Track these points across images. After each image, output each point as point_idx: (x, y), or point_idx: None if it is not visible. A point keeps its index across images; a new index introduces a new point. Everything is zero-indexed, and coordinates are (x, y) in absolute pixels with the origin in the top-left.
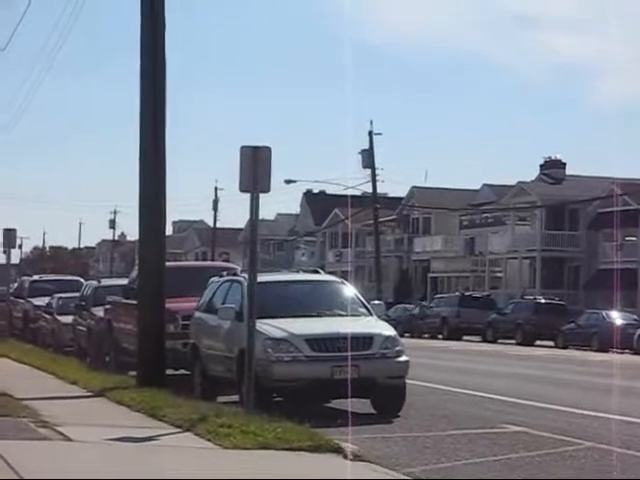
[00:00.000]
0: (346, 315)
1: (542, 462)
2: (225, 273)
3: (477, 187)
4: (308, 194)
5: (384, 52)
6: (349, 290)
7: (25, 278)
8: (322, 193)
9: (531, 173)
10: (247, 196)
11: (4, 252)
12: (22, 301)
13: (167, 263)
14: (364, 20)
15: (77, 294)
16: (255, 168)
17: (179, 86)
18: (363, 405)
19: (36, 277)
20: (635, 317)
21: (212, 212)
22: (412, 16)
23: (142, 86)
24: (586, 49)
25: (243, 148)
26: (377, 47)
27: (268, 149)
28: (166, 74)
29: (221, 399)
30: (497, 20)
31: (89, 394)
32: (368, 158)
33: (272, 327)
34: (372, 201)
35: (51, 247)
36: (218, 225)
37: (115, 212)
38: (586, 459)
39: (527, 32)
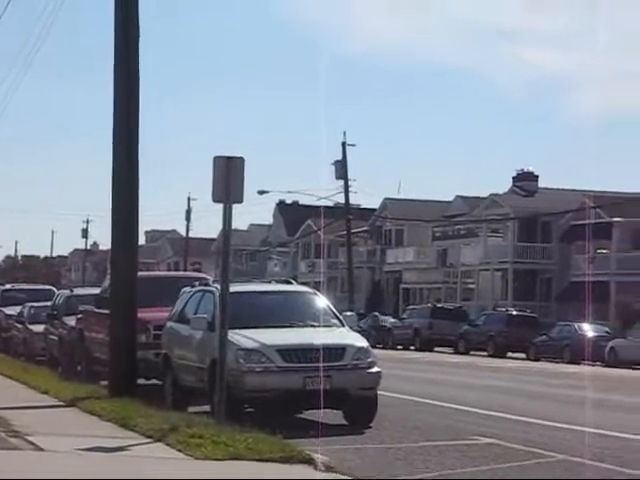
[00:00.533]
0: (318, 326)
1: (513, 474)
2: (197, 283)
3: (450, 199)
4: (281, 205)
5: (360, 63)
6: (321, 301)
7: None
8: (295, 204)
9: (504, 185)
10: (220, 206)
11: None
12: None
13: (139, 273)
14: (342, 31)
15: (49, 303)
16: (228, 179)
17: (151, 96)
18: (335, 416)
19: (8, 286)
20: (607, 329)
21: (185, 222)
22: (390, 27)
23: (115, 94)
24: (562, 63)
25: (216, 158)
26: (353, 58)
27: (241, 160)
28: (139, 83)
29: (192, 409)
30: (474, 32)
31: (60, 404)
32: (341, 169)
33: (244, 337)
34: (345, 212)
35: (23, 256)
36: (191, 235)
37: (87, 221)
38: (558, 471)
39: (503, 45)
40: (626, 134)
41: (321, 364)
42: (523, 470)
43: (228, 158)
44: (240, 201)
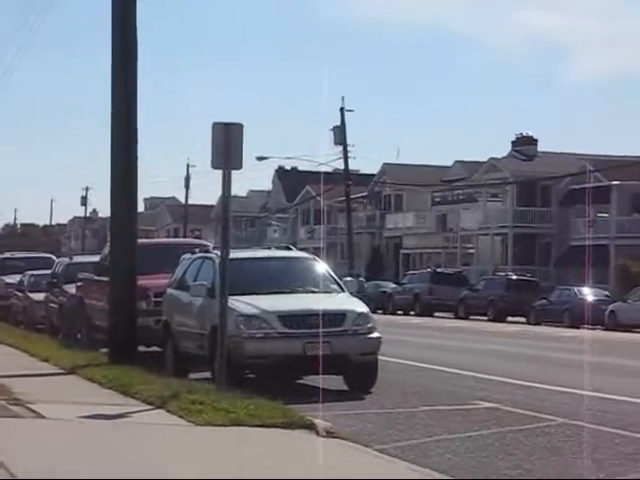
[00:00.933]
0: (318, 292)
1: (514, 438)
2: (197, 250)
3: (449, 163)
4: (280, 171)
5: (358, 29)
6: (321, 266)
7: None
8: (294, 170)
9: (503, 150)
10: (219, 173)
11: None
12: None
13: (139, 240)
14: None
15: (49, 271)
16: (227, 145)
17: (152, 63)
18: (335, 382)
19: (7, 254)
20: (606, 293)
21: (184, 189)
22: None
23: (113, 62)
24: (561, 27)
25: (215, 125)
26: (352, 24)
27: (240, 126)
28: (137, 48)
29: (193, 376)
30: None
31: (61, 371)
32: (340, 135)
33: (244, 304)
34: (344, 178)
35: (22, 224)
36: (190, 202)
37: (87, 189)
38: (558, 435)
39: (502, 9)
40: (625, 97)
41: (321, 330)
42: (524, 433)
43: (226, 124)
44: (239, 167)
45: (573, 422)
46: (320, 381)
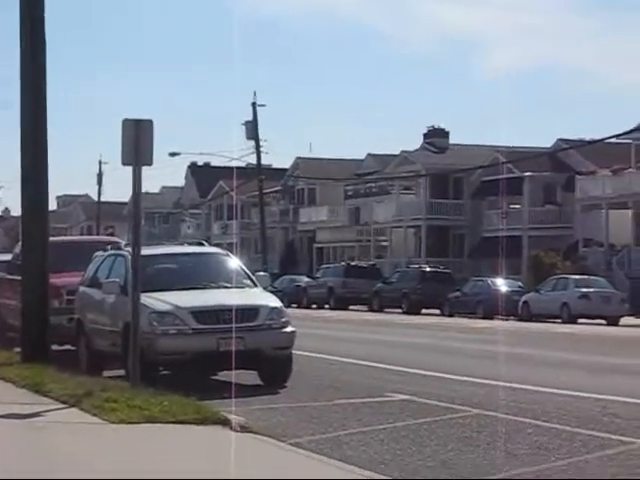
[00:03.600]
0: (231, 287)
1: (428, 430)
2: (109, 247)
3: (361, 157)
4: (193, 166)
5: (270, 23)
6: (234, 262)
7: None
8: (207, 165)
9: (415, 143)
10: (131, 169)
11: None
12: None
13: (51, 238)
14: None
15: None
16: (137, 141)
17: (64, 59)
18: (250, 377)
19: None
20: (520, 284)
21: (97, 186)
22: None
23: (22, 56)
24: (472, 20)
25: (125, 121)
26: (264, 18)
27: (150, 122)
28: (46, 44)
29: (107, 374)
30: None
31: None
32: (252, 129)
33: (157, 300)
34: (257, 172)
35: None
36: (104, 199)
37: None
38: (472, 426)
39: (414, 2)
40: (536, 89)
41: (234, 325)
42: (438, 425)
43: (137, 121)
44: (149, 163)
45: (487, 413)
46: (233, 376)
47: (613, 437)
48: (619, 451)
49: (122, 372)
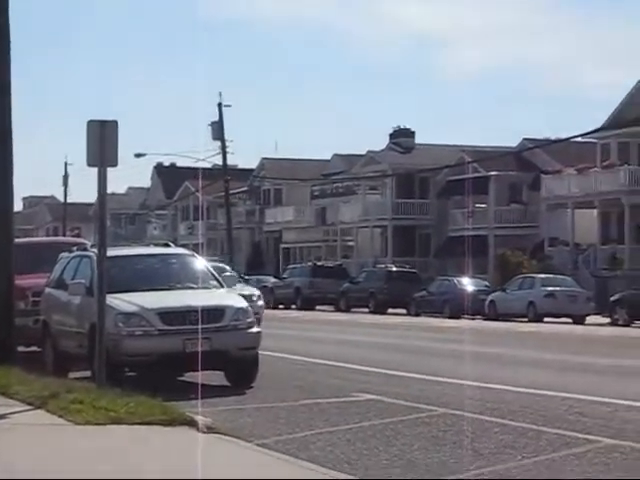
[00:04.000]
0: (197, 288)
1: (395, 429)
2: (75, 248)
3: (327, 157)
4: (159, 167)
5: (236, 25)
6: (200, 263)
7: None
8: (172, 166)
9: (381, 142)
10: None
11: None
12: None
13: (16, 239)
14: None
15: None
16: (102, 142)
17: (29, 59)
18: (216, 377)
19: None
20: (486, 283)
21: (63, 187)
22: None
23: None
24: (438, 18)
25: (89, 123)
26: (230, 20)
27: (114, 123)
28: (10, 43)
29: (73, 375)
30: None
31: None
32: (218, 130)
33: (123, 301)
34: (223, 173)
35: None
36: (70, 200)
37: None
38: (439, 425)
39: (378, 1)
40: (501, 88)
41: (200, 326)
42: (405, 424)
43: (102, 122)
44: (114, 165)
45: (453, 412)
46: (200, 377)
47: (579, 436)
48: (585, 450)
49: (88, 373)
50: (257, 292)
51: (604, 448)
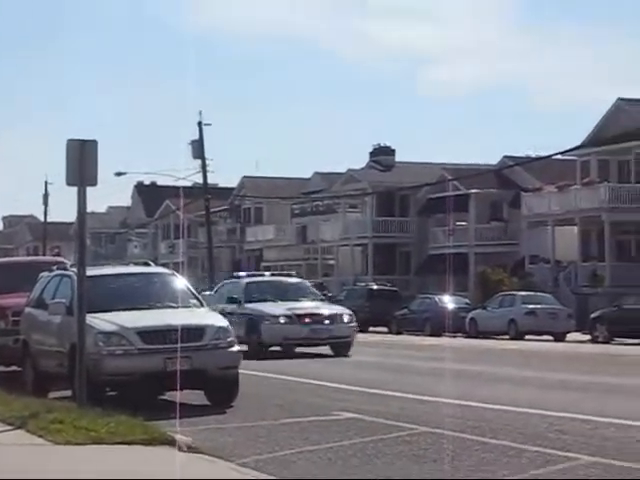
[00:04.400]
0: (177, 307)
1: (376, 448)
2: (55, 267)
3: (308, 176)
4: (139, 186)
5: (216, 43)
6: (180, 282)
7: None
8: (153, 185)
9: (362, 161)
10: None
11: None
12: None
13: None
14: (196, 9)
15: None
16: (81, 161)
17: (7, 76)
18: (197, 396)
19: None
20: (467, 301)
21: (43, 206)
22: (242, 3)
23: None
24: (418, 37)
25: (69, 142)
26: (210, 38)
27: (94, 142)
28: None
29: (54, 395)
30: (326, 6)
31: None
32: (198, 148)
33: (103, 321)
34: (203, 192)
35: None
36: (50, 219)
37: None
38: (420, 443)
39: (356, 18)
40: (482, 106)
41: (180, 345)
42: (385, 443)
43: (81, 141)
44: (94, 184)
45: (434, 430)
46: (178, 397)
47: (560, 453)
48: (565, 467)
49: (69, 393)
50: (347, 311)
51: (584, 465)
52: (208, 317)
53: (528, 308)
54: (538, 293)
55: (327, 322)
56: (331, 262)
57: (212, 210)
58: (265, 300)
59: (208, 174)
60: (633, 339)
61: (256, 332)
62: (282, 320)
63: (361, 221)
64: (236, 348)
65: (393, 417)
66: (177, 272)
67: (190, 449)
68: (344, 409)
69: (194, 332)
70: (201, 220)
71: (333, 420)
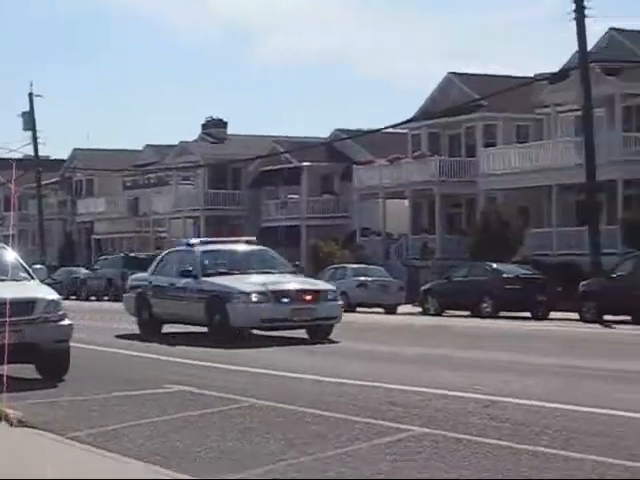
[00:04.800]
0: (7, 280)
1: (208, 420)
2: None
3: (140, 148)
4: None
5: (44, 15)
6: (10, 254)
7: None
8: None
9: (194, 133)
10: None
11: None
12: None
13: None
14: None
15: None
16: None
17: None
18: (28, 370)
19: None
20: None
21: None
22: None
23: None
24: (251, 7)
25: None
26: (40, 11)
27: None
28: None
29: None
30: None
31: None
32: (29, 120)
33: None
34: (34, 164)
35: None
36: None
37: None
38: (252, 417)
39: None
40: (313, 79)
41: (10, 319)
42: (217, 416)
43: None
44: None
45: (266, 403)
46: (6, 370)
47: (392, 425)
48: (397, 438)
49: None
50: (331, 287)
51: (415, 437)
52: (39, 290)
53: (359, 280)
54: (369, 266)
55: (310, 299)
56: (163, 235)
57: (43, 182)
58: (228, 273)
59: (39, 146)
60: (462, 311)
61: (221, 312)
62: (255, 298)
63: (193, 194)
64: (67, 321)
65: (224, 390)
66: (7, 245)
67: (20, 423)
68: (176, 382)
69: (24, 305)
70: (32, 192)
71: (165, 393)
